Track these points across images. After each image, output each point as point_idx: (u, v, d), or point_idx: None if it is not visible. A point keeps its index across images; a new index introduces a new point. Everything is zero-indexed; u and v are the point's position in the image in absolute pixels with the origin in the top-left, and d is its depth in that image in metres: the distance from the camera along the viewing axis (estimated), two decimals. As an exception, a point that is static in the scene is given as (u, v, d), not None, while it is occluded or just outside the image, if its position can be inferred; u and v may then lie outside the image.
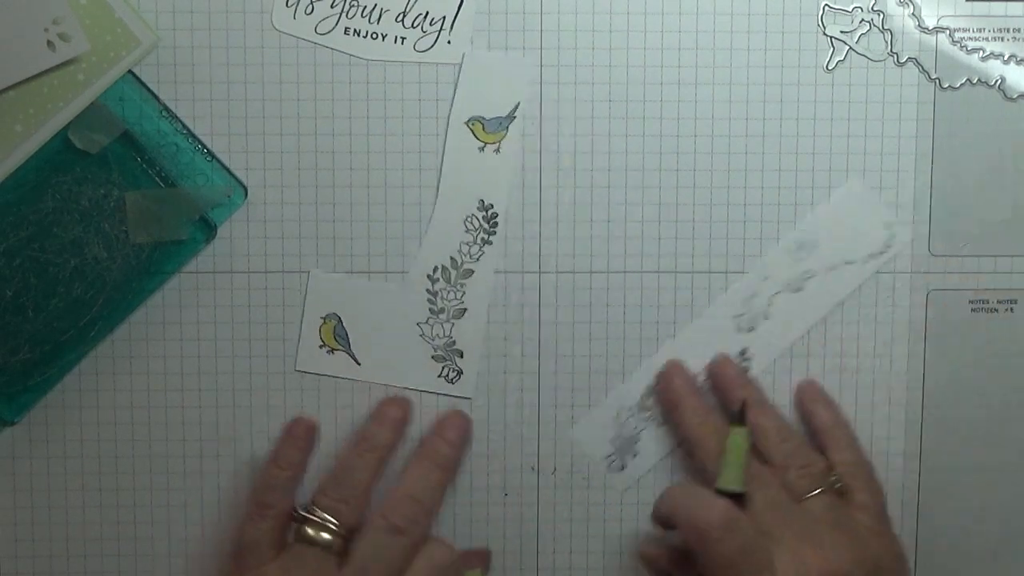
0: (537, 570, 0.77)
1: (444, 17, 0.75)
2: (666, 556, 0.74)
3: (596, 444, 0.77)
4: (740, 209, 0.76)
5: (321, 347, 0.76)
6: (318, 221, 0.75)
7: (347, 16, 0.74)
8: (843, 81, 0.75)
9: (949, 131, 0.76)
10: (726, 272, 0.76)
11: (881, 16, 0.75)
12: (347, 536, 0.72)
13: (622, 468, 0.77)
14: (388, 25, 0.75)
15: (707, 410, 0.75)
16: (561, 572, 0.77)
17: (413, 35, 0.75)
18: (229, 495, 0.77)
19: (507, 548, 0.77)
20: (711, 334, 0.76)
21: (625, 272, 0.76)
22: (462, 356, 0.76)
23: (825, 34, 0.75)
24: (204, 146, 0.74)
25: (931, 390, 0.77)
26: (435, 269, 0.76)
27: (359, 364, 0.76)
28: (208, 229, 0.75)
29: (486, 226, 0.76)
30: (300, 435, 0.75)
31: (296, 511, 0.73)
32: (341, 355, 0.76)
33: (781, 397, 0.77)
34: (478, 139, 0.75)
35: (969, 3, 0.75)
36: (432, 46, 0.75)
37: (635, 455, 0.77)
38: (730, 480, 0.71)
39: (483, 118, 0.75)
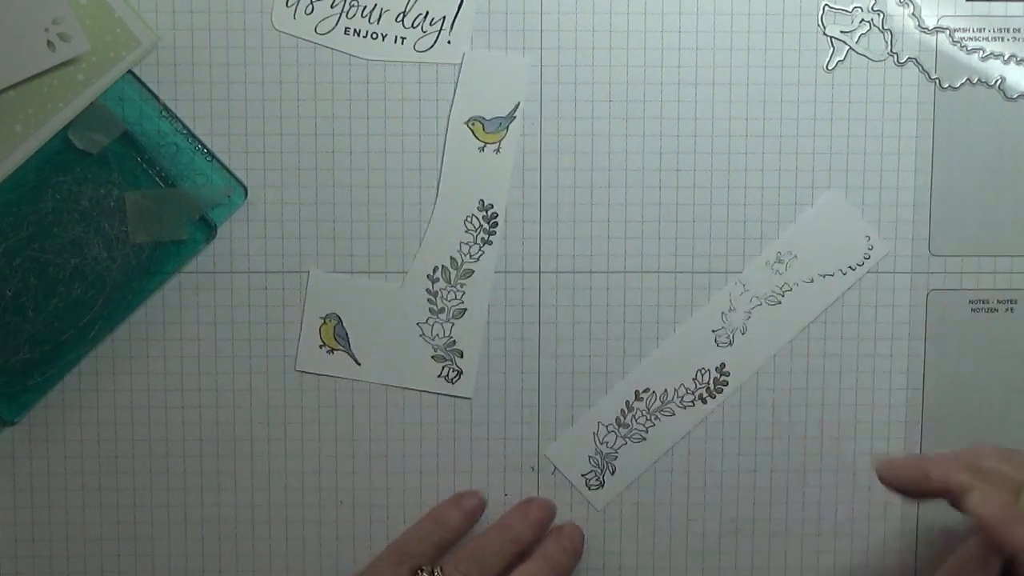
0: (537, 570, 0.78)
1: (444, 17, 0.75)
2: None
3: (574, 462, 0.77)
4: (740, 209, 0.76)
5: (321, 347, 0.76)
6: (318, 221, 0.75)
7: (347, 16, 0.74)
8: (843, 81, 0.75)
9: (949, 131, 0.76)
10: (726, 272, 0.76)
11: (881, 16, 0.75)
12: None
13: (601, 485, 0.77)
14: (388, 25, 0.75)
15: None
16: (561, 572, 0.78)
17: (413, 35, 0.75)
18: (229, 495, 0.77)
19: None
20: (690, 349, 0.76)
21: (625, 272, 0.76)
22: (462, 356, 0.76)
23: (825, 34, 0.75)
24: (204, 146, 0.74)
25: (931, 390, 0.77)
26: (435, 269, 0.76)
27: (359, 364, 0.76)
28: (208, 229, 0.75)
29: (486, 226, 0.76)
30: (469, 507, 0.76)
31: (421, 570, 0.73)
32: (341, 355, 0.76)
33: (781, 396, 0.77)
34: (478, 139, 0.75)
35: (969, 3, 0.75)
36: (432, 46, 0.75)
37: (613, 472, 0.77)
38: None
39: (483, 118, 0.75)
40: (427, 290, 0.76)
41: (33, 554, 0.77)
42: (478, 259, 0.76)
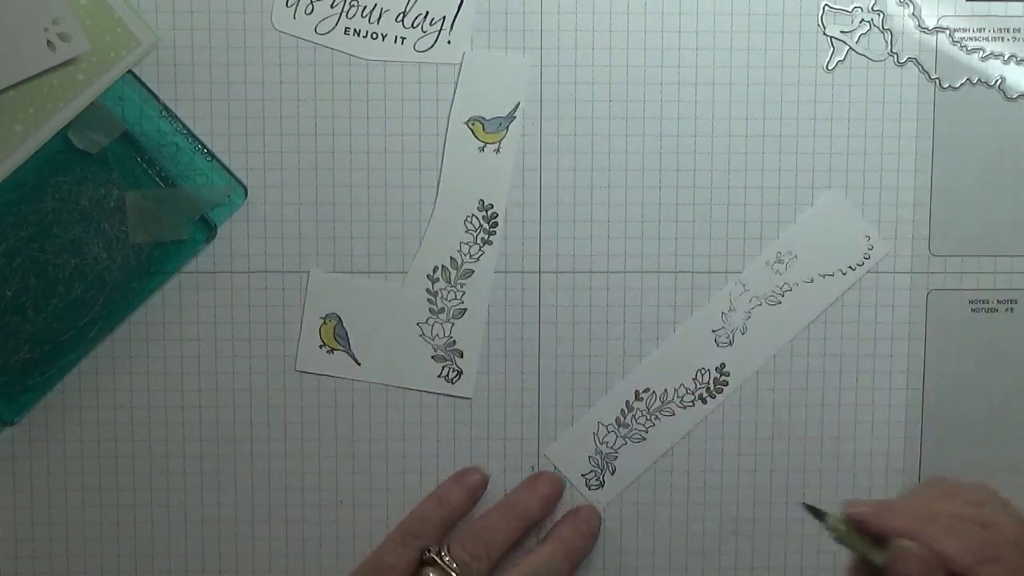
0: (537, 570, 0.78)
1: (444, 17, 0.75)
2: None
3: (575, 462, 0.77)
4: (740, 209, 0.76)
5: (321, 347, 0.76)
6: (318, 221, 0.75)
7: (347, 16, 0.74)
8: (843, 81, 0.75)
9: (949, 131, 0.76)
10: (726, 272, 0.76)
11: (881, 16, 0.75)
12: None
13: (601, 485, 0.77)
14: (388, 25, 0.75)
15: None
16: (561, 572, 0.77)
17: (413, 35, 0.75)
18: (229, 495, 0.77)
19: (503, 558, 0.77)
20: (690, 349, 0.76)
21: (625, 272, 0.76)
22: (462, 356, 0.76)
23: (825, 34, 0.75)
24: (204, 146, 0.74)
25: (931, 390, 0.77)
26: (435, 269, 0.76)
27: (359, 364, 0.76)
28: (208, 229, 0.75)
29: (486, 226, 0.76)
30: (470, 483, 0.76)
31: (428, 551, 0.73)
32: (341, 355, 0.76)
33: (781, 396, 0.77)
34: (478, 139, 0.75)
35: (969, 3, 0.75)
36: (432, 46, 0.75)
37: (613, 472, 0.77)
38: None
39: (483, 118, 0.75)
40: (427, 290, 0.76)
41: (33, 554, 0.77)
42: (478, 259, 0.76)
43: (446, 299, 0.76)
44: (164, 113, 0.74)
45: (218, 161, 0.74)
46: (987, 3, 0.75)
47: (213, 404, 0.76)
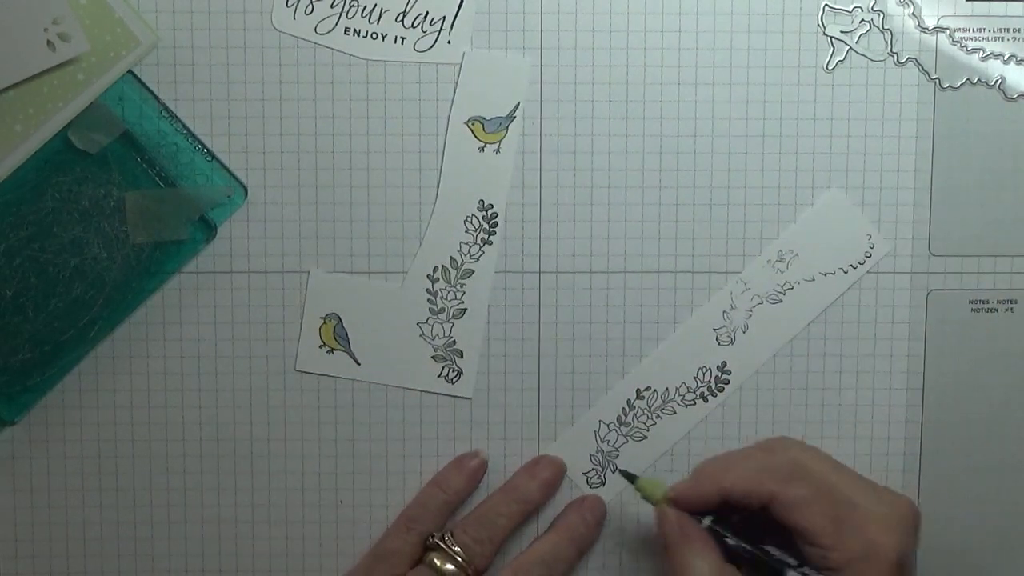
0: (537, 570, 0.78)
1: (444, 17, 0.75)
2: None
3: (576, 460, 0.77)
4: (740, 209, 0.76)
5: (321, 347, 0.76)
6: (318, 221, 0.75)
7: (347, 16, 0.74)
8: (843, 81, 0.75)
9: (949, 131, 0.76)
10: (726, 272, 0.76)
11: (881, 16, 0.75)
12: (470, 575, 0.73)
13: (602, 483, 0.77)
14: (388, 25, 0.75)
15: None
16: (561, 572, 0.77)
17: (413, 35, 0.75)
18: (229, 495, 0.77)
19: (507, 548, 0.77)
20: (691, 348, 0.76)
21: (625, 272, 0.76)
22: (462, 356, 0.76)
23: (825, 34, 0.75)
24: (204, 146, 0.74)
25: (931, 390, 0.77)
26: (435, 269, 0.76)
27: (359, 364, 0.76)
28: (208, 229, 0.75)
29: (486, 226, 0.76)
30: (470, 466, 0.76)
31: (431, 536, 0.74)
32: (341, 355, 0.76)
33: (781, 396, 0.77)
34: (478, 139, 0.75)
35: (969, 3, 0.75)
36: (432, 46, 0.75)
37: (614, 470, 0.77)
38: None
39: (483, 118, 0.75)
40: (427, 290, 0.76)
41: (33, 554, 0.77)
42: (478, 259, 0.76)
43: (446, 299, 0.76)
44: (164, 113, 0.74)
45: (218, 161, 0.74)
46: (987, 3, 0.75)
47: (213, 404, 0.76)
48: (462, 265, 0.76)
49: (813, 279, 0.76)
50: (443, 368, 0.76)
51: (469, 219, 0.76)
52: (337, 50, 0.75)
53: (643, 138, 0.75)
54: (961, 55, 0.75)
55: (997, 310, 0.77)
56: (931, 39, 0.75)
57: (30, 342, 0.73)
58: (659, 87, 0.75)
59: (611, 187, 0.76)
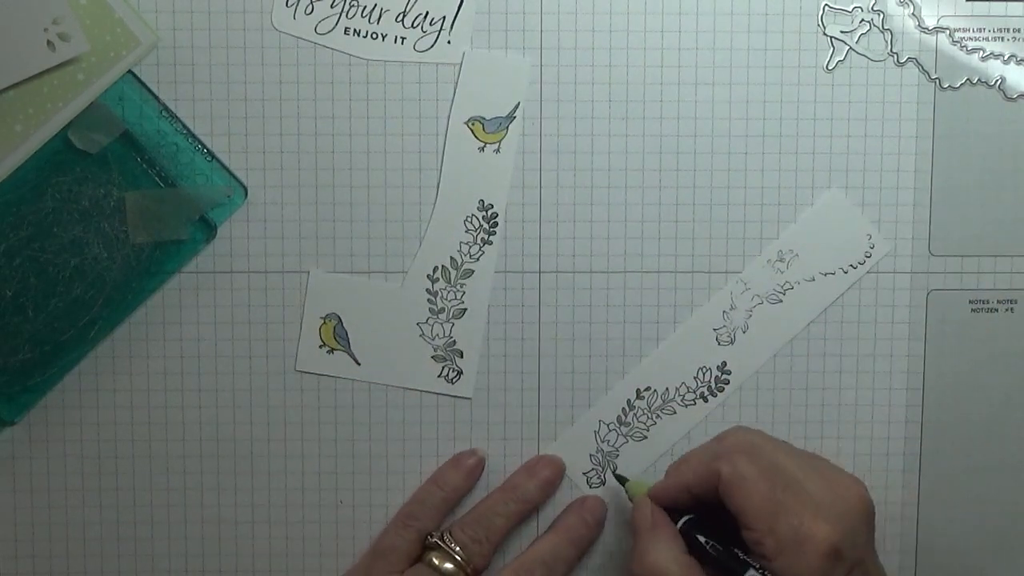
0: (537, 570, 0.78)
1: (444, 17, 0.75)
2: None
3: (576, 460, 0.77)
4: (740, 209, 0.76)
5: (321, 347, 0.76)
6: (318, 221, 0.75)
7: (347, 16, 0.74)
8: (843, 81, 0.75)
9: (949, 131, 0.76)
10: (726, 272, 0.76)
11: (881, 16, 0.75)
12: (469, 574, 0.73)
13: (602, 483, 0.77)
14: (388, 25, 0.75)
15: None
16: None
17: (413, 35, 0.75)
18: (229, 495, 0.77)
19: (508, 548, 0.77)
20: (691, 348, 0.76)
21: (625, 272, 0.76)
22: (462, 356, 0.76)
23: (825, 34, 0.75)
24: (204, 146, 0.74)
25: (931, 390, 0.77)
26: (435, 269, 0.76)
27: (359, 364, 0.76)
28: (208, 229, 0.75)
29: (486, 226, 0.76)
30: (468, 464, 0.76)
31: (430, 535, 0.74)
32: (341, 355, 0.76)
33: (781, 396, 0.77)
34: (478, 139, 0.75)
35: (969, 3, 0.75)
36: (432, 46, 0.75)
37: (614, 470, 0.77)
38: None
39: (483, 118, 0.75)
40: (427, 290, 0.76)
41: (33, 554, 0.77)
42: (478, 259, 0.76)
43: (446, 299, 0.76)
44: (164, 113, 0.74)
45: (218, 161, 0.74)
46: (987, 3, 0.75)
47: (213, 404, 0.76)
48: (462, 265, 0.76)
49: (813, 279, 0.76)
50: (443, 368, 0.76)
51: (469, 219, 0.76)
52: (337, 50, 0.75)
53: (643, 138, 0.75)
54: (961, 55, 0.75)
55: (997, 310, 0.77)
56: (931, 39, 0.75)
57: (30, 342, 0.73)
58: (659, 87, 0.75)
59: (611, 187, 0.76)
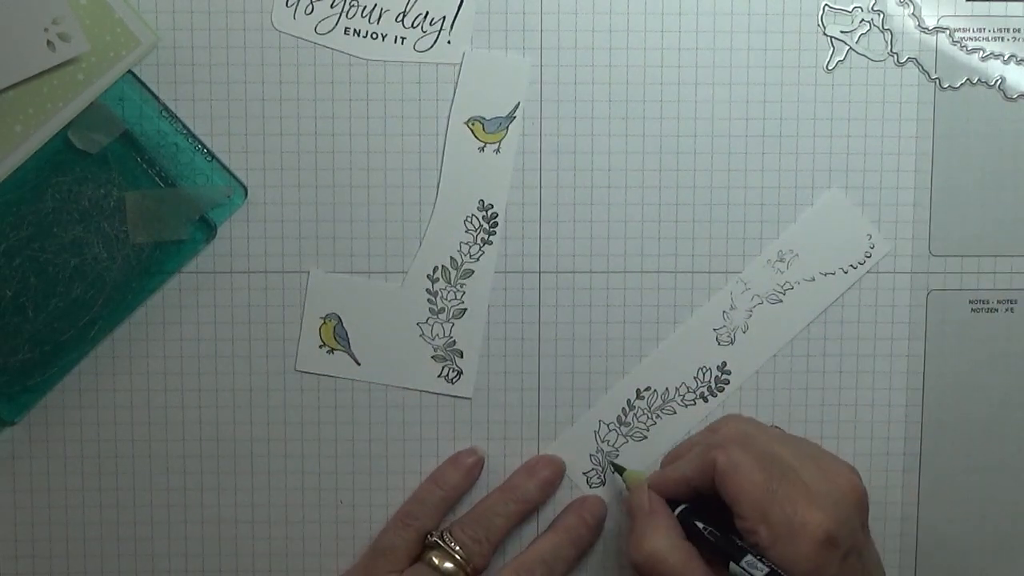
0: (537, 570, 0.78)
1: (444, 17, 0.75)
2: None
3: (576, 460, 0.77)
4: (740, 209, 0.76)
5: (321, 347, 0.76)
6: (318, 221, 0.75)
7: (347, 16, 0.74)
8: (843, 81, 0.75)
9: (949, 131, 0.76)
10: (726, 272, 0.76)
11: (881, 16, 0.75)
12: (469, 573, 0.73)
13: (602, 483, 0.77)
14: (388, 25, 0.75)
15: None
16: (561, 572, 0.77)
17: (413, 35, 0.75)
18: (229, 495, 0.77)
19: (508, 548, 0.77)
20: (691, 348, 0.76)
21: (625, 272, 0.76)
22: (462, 356, 0.76)
23: (825, 34, 0.75)
24: (204, 146, 0.74)
25: (931, 390, 0.77)
26: (435, 269, 0.76)
27: (359, 364, 0.76)
28: (208, 229, 0.75)
29: (486, 226, 0.76)
30: (467, 463, 0.76)
31: (430, 535, 0.74)
32: (341, 355, 0.76)
33: (781, 396, 0.77)
34: (478, 139, 0.75)
35: (969, 3, 0.75)
36: (432, 46, 0.75)
37: (613, 471, 0.77)
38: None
39: (483, 118, 0.75)
40: (427, 290, 0.76)
41: (33, 554, 0.77)
42: (478, 259, 0.76)
43: (446, 299, 0.76)
44: (164, 113, 0.74)
45: (218, 161, 0.74)
46: (987, 3, 0.75)
47: (213, 404, 0.76)
48: (462, 265, 0.76)
49: (813, 279, 0.76)
50: (443, 368, 0.76)
51: (469, 219, 0.76)
52: (337, 50, 0.75)
53: (643, 138, 0.75)
54: (961, 55, 0.75)
55: (997, 310, 0.77)
56: (931, 39, 0.75)
57: (30, 342, 0.73)
58: (659, 87, 0.75)
59: (611, 187, 0.76)
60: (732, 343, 0.76)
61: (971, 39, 0.75)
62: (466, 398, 0.77)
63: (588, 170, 0.76)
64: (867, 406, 0.77)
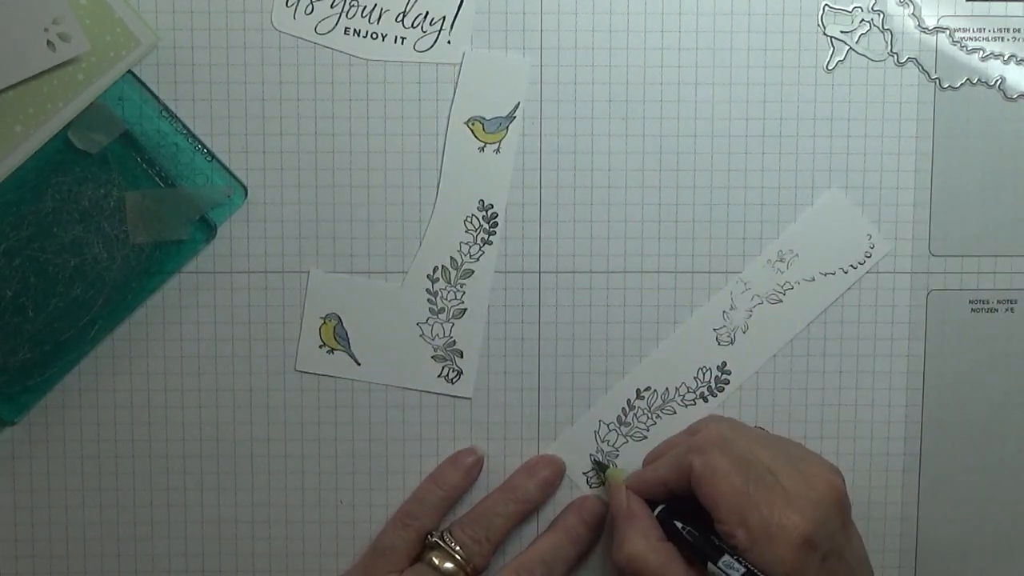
0: (537, 570, 0.78)
1: (444, 17, 0.75)
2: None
3: (576, 460, 0.77)
4: (740, 209, 0.76)
5: (321, 347, 0.76)
6: (318, 221, 0.75)
7: (347, 16, 0.74)
8: (843, 81, 0.75)
9: (949, 131, 0.76)
10: (726, 272, 0.76)
11: (881, 16, 0.75)
12: (469, 573, 0.73)
13: (602, 484, 0.77)
14: (388, 25, 0.75)
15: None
16: (561, 572, 0.77)
17: (413, 35, 0.75)
18: (229, 495, 0.77)
19: (508, 548, 0.77)
20: (691, 348, 0.76)
21: (625, 272, 0.76)
22: (462, 356, 0.76)
23: (825, 34, 0.75)
24: (204, 146, 0.74)
25: (931, 390, 0.77)
26: (435, 269, 0.76)
27: (359, 364, 0.76)
28: (208, 229, 0.75)
29: (486, 226, 0.76)
30: (466, 463, 0.76)
31: (430, 535, 0.74)
32: (341, 355, 0.76)
33: (781, 396, 0.77)
34: (478, 139, 0.75)
35: (969, 3, 0.75)
36: (432, 46, 0.75)
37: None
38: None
39: (483, 118, 0.75)
40: (427, 290, 0.76)
41: (33, 554, 0.77)
42: (478, 259, 0.76)
43: (446, 299, 0.76)
44: (164, 113, 0.74)
45: (218, 161, 0.74)
46: (987, 3, 0.75)
47: (213, 404, 0.76)
48: (462, 265, 0.76)
49: (813, 279, 0.76)
50: (443, 368, 0.76)
51: (469, 219, 0.76)
52: (337, 50, 0.75)
53: (643, 138, 0.75)
54: (961, 55, 0.75)
55: (997, 310, 0.77)
56: (931, 39, 0.75)
57: (30, 342, 0.73)
58: (659, 87, 0.75)
59: (611, 187, 0.76)
60: (732, 343, 0.76)
61: (971, 39, 0.75)
62: (466, 398, 0.77)
63: (588, 170, 0.76)
64: (867, 406, 0.77)
